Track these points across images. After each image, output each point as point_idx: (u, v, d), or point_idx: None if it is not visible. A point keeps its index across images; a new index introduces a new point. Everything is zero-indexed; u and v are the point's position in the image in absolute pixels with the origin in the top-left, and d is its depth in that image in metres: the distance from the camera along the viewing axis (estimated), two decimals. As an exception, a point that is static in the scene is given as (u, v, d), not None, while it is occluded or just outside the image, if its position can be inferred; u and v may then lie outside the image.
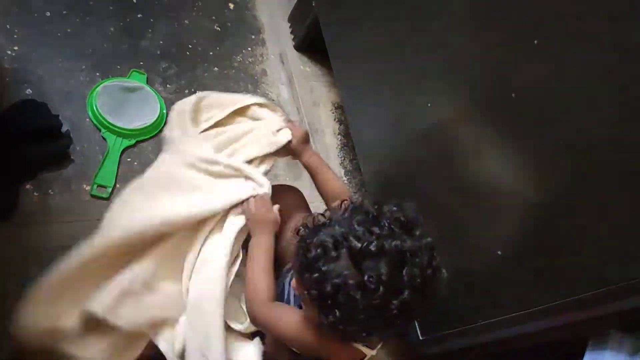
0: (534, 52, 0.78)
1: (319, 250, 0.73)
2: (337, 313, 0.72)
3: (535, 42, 0.77)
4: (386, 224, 0.73)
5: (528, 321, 0.83)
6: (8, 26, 1.27)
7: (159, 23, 1.46)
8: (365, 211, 0.76)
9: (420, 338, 1.06)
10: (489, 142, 0.91)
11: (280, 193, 1.09)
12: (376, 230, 0.72)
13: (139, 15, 1.45)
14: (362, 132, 1.27)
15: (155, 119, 1.30)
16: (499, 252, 0.88)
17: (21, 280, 1.01)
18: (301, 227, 0.80)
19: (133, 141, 1.27)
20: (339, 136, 1.52)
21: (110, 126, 1.25)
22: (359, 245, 0.70)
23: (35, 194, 1.11)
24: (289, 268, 1.03)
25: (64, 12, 1.35)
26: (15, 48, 1.25)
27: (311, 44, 1.55)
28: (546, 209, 0.81)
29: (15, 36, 1.26)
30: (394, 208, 0.76)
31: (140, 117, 1.29)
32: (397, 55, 1.11)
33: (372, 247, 0.70)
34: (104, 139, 1.23)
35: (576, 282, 0.76)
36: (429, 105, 1.02)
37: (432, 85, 1.03)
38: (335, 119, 1.55)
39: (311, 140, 1.36)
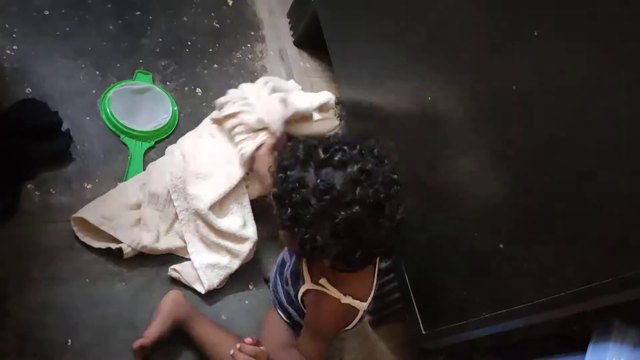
0: (534, 43, 0.78)
1: (291, 159, 0.82)
2: (290, 211, 0.79)
3: (536, 33, 0.77)
4: (358, 148, 0.81)
5: (531, 313, 0.83)
6: (7, 25, 1.27)
7: (158, 20, 1.46)
8: (346, 137, 0.85)
9: (424, 332, 1.06)
10: (490, 135, 0.90)
11: None
12: (346, 149, 0.80)
13: (137, 13, 1.45)
14: (363, 127, 1.27)
15: (169, 118, 1.31)
16: (501, 245, 0.88)
17: (21, 280, 1.01)
18: (291, 143, 0.88)
19: (152, 142, 1.27)
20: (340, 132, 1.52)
21: (129, 131, 1.25)
22: (323, 155, 0.79)
23: (36, 193, 1.11)
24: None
25: (63, 10, 1.35)
26: (15, 47, 1.25)
27: (311, 39, 1.54)
28: (548, 200, 0.80)
29: (14, 35, 1.26)
30: (373, 140, 0.84)
31: (154, 117, 1.30)
32: (397, 48, 1.11)
33: (335, 159, 0.78)
34: (124, 144, 1.24)
35: (579, 274, 0.76)
36: (429, 99, 1.02)
37: (432, 79, 1.02)
38: (335, 114, 1.54)
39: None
